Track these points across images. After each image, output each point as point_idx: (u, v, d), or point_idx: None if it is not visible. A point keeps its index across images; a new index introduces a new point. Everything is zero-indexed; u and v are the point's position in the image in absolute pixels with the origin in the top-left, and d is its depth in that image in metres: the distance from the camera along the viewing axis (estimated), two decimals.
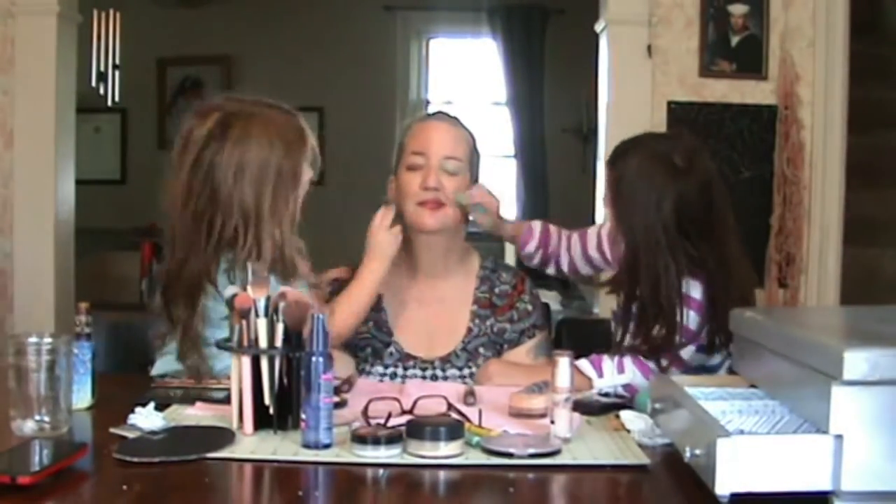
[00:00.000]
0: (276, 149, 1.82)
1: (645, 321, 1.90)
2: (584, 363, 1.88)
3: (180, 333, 1.81)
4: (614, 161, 1.96)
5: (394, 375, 2.06)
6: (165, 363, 1.89)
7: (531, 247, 2.19)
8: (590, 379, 1.87)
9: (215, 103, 1.87)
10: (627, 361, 1.88)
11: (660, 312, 1.87)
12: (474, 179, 2.15)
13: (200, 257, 1.79)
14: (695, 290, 1.88)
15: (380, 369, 2.07)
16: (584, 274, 2.22)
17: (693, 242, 1.88)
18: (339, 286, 2.04)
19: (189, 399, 1.68)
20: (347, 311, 1.94)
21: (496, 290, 2.12)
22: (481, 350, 2.07)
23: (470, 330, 2.08)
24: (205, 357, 1.80)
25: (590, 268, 2.20)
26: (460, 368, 2.05)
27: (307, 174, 1.89)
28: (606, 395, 1.82)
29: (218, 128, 1.81)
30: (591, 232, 2.19)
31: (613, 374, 1.87)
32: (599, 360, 1.90)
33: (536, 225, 2.21)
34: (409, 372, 2.06)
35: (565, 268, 2.20)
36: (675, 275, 1.86)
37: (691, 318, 1.87)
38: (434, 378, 2.05)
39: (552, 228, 2.22)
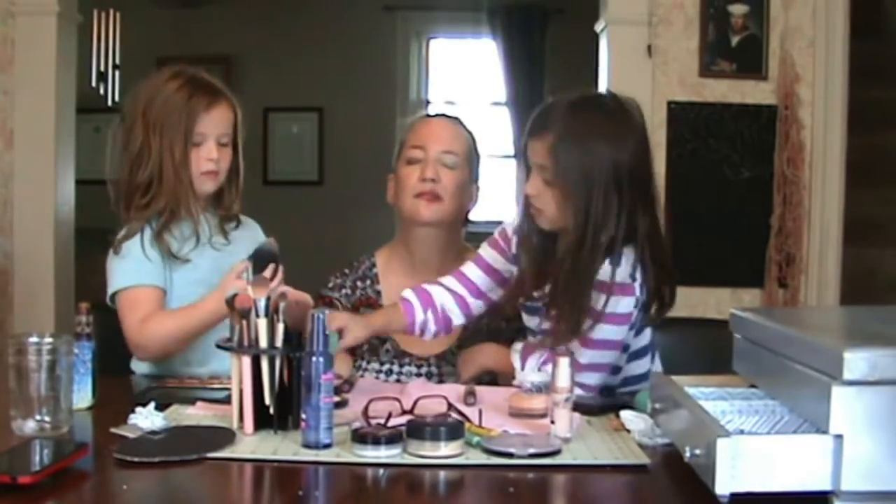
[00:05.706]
0: (152, 100, 2.08)
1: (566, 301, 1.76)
2: (515, 352, 1.86)
3: None
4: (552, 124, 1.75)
5: (389, 372, 2.06)
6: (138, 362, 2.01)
7: (419, 316, 1.91)
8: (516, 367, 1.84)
9: None
10: (547, 363, 1.77)
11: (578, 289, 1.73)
12: (474, 179, 2.15)
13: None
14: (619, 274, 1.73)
15: (375, 366, 2.07)
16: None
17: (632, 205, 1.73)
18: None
19: (189, 399, 1.69)
20: (174, 328, 1.86)
21: None
22: None
23: (466, 328, 2.07)
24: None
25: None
26: (455, 366, 2.05)
27: (198, 127, 2.04)
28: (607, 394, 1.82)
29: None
30: (500, 241, 1.99)
31: (533, 370, 1.78)
32: (528, 353, 1.84)
33: (407, 292, 1.94)
34: (405, 369, 2.07)
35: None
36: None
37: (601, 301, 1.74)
38: (430, 375, 2.06)
39: (426, 286, 1.95)
